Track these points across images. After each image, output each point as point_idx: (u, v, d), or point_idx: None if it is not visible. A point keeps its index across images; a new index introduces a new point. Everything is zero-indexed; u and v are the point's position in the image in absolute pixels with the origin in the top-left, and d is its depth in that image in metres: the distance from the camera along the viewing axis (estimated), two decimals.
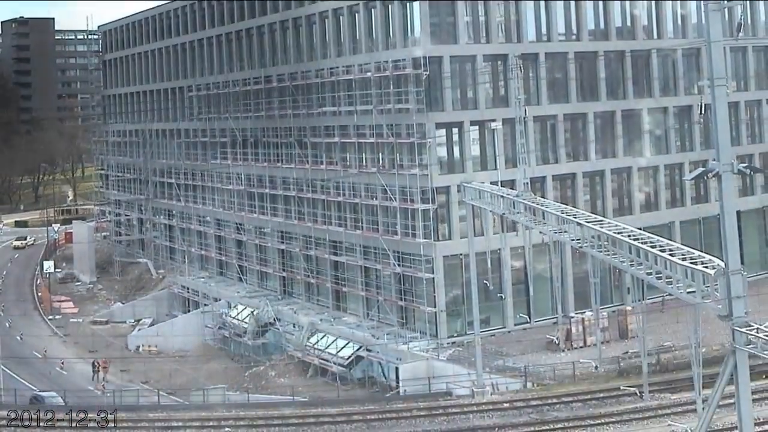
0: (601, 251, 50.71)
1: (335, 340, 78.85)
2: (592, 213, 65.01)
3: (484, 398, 64.82)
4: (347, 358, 75.84)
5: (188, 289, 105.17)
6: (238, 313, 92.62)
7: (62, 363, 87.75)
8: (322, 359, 78.08)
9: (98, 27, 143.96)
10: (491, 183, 70.34)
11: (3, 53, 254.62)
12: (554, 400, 62.99)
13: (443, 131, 77.47)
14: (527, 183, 63.32)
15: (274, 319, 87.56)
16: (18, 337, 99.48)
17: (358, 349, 75.73)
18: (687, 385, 58.09)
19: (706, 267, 41.81)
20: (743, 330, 39.25)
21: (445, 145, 77.98)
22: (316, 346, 79.69)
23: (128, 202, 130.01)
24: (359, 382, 74.85)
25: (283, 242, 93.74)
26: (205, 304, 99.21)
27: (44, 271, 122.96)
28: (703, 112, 54.15)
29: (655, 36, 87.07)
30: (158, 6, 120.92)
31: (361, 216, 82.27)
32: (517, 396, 64.91)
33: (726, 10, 40.71)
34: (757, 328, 39.67)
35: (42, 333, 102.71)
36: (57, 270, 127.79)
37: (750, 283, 43.86)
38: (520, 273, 78.09)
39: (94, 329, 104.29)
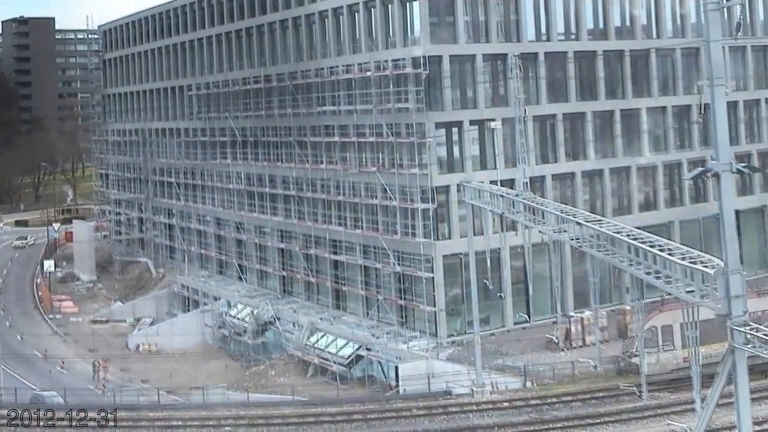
0: (600, 251, 50.82)
1: (335, 339, 78.92)
2: (591, 212, 65.21)
3: (484, 397, 64.95)
4: (347, 358, 75.92)
5: (188, 288, 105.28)
6: (237, 313, 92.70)
7: (62, 362, 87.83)
8: (321, 358, 78.15)
9: (98, 26, 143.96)
10: (491, 182, 70.52)
11: (3, 53, 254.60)
12: (553, 400, 63.15)
13: (443, 131, 77.55)
14: (526, 182, 63.38)
15: (274, 319, 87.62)
16: (18, 337, 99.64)
17: (357, 349, 75.81)
18: (686, 385, 58.25)
19: (705, 266, 41.87)
20: (742, 329, 39.37)
21: (445, 144, 78.07)
22: (315, 345, 79.77)
23: (128, 202, 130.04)
24: (359, 382, 74.94)
25: (282, 241, 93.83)
26: (205, 304, 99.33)
27: (44, 270, 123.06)
28: (702, 111, 54.44)
29: (654, 36, 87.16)
30: (158, 5, 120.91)
31: (360, 215, 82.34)
32: (517, 395, 65.01)
33: (725, 9, 40.76)
34: (756, 328, 39.80)
35: (42, 332, 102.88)
36: (57, 269, 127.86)
37: (749, 282, 43.98)
38: (520, 272, 78.15)
39: (94, 328, 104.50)
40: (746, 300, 40.10)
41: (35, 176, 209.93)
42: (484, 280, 73.99)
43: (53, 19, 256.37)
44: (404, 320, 78.29)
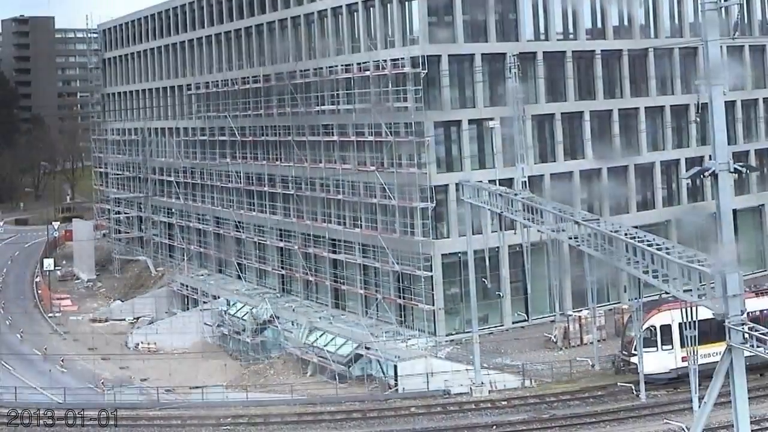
0: (598, 250, 50.97)
1: (334, 338, 78.98)
2: (589, 211, 65.45)
3: (482, 396, 65.16)
4: (346, 356, 76.02)
5: (187, 286, 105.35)
6: (237, 311, 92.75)
7: (62, 361, 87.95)
8: (320, 357, 78.24)
9: (98, 26, 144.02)
10: (489, 181, 70.70)
11: (3, 52, 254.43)
12: (552, 398, 63.38)
13: (441, 130, 77.68)
14: (525, 181, 63.74)
15: (273, 317, 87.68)
16: (18, 335, 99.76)
17: (356, 347, 75.88)
18: (683, 384, 58.50)
19: (703, 265, 42.02)
20: (739, 328, 39.52)
21: (444, 143, 78.21)
22: (314, 344, 79.83)
23: (128, 200, 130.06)
24: (358, 380, 75.02)
25: (282, 240, 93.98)
26: (204, 302, 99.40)
27: (44, 268, 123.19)
28: (699, 111, 54.46)
29: (653, 35, 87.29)
30: (157, 5, 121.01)
31: (359, 214, 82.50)
32: (515, 394, 65.23)
33: (723, 9, 40.89)
34: (753, 327, 39.96)
35: (42, 331, 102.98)
36: (57, 268, 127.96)
37: (746, 281, 44.12)
38: (518, 271, 78.33)
39: (94, 327, 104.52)
40: (744, 299, 40.28)
41: (35, 175, 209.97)
42: (483, 279, 74.23)
43: (53, 18, 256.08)
44: (403, 319, 78.47)
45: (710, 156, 40.35)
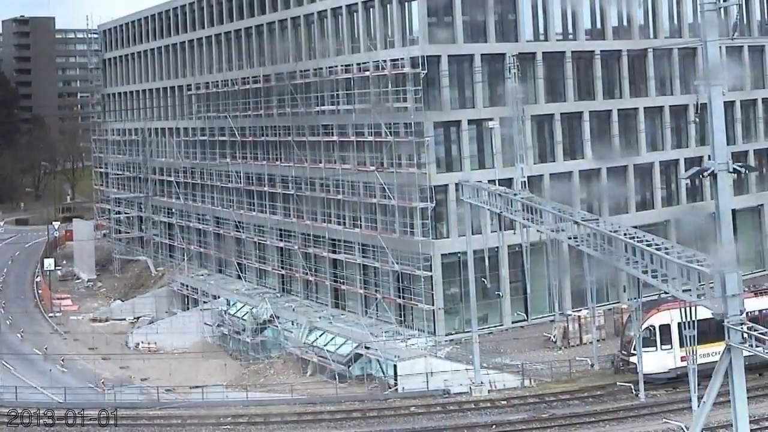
0: (597, 250, 51.10)
1: (334, 337, 79.08)
2: (588, 212, 65.54)
3: (482, 395, 65.26)
4: (346, 356, 76.12)
5: (187, 286, 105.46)
6: (237, 311, 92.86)
7: (62, 360, 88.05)
8: (320, 357, 78.33)
9: (98, 26, 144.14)
10: (489, 181, 70.84)
11: (3, 52, 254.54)
12: (551, 398, 63.46)
13: (441, 130, 77.78)
14: (524, 181, 63.81)
15: (273, 317, 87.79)
16: (18, 335, 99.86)
17: (356, 347, 75.97)
18: (683, 383, 58.58)
19: (702, 265, 42.14)
20: (738, 328, 39.63)
21: (443, 143, 78.31)
22: (314, 343, 79.92)
23: (128, 200, 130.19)
24: (358, 380, 75.12)
25: (282, 240, 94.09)
26: (205, 302, 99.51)
27: (44, 268, 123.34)
28: (698, 111, 54.62)
29: (652, 36, 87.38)
30: (157, 5, 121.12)
31: (359, 214, 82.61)
32: (515, 393, 65.31)
33: (722, 10, 41.00)
34: (752, 326, 40.08)
35: (42, 330, 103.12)
36: (57, 268, 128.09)
37: (745, 281, 44.22)
38: (518, 271, 78.45)
39: (94, 327, 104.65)
40: (743, 299, 40.40)
41: (35, 175, 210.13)
42: (483, 279, 74.36)
43: (53, 18, 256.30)
44: (403, 319, 78.58)
45: (709, 156, 40.44)
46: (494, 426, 59.29)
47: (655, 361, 62.84)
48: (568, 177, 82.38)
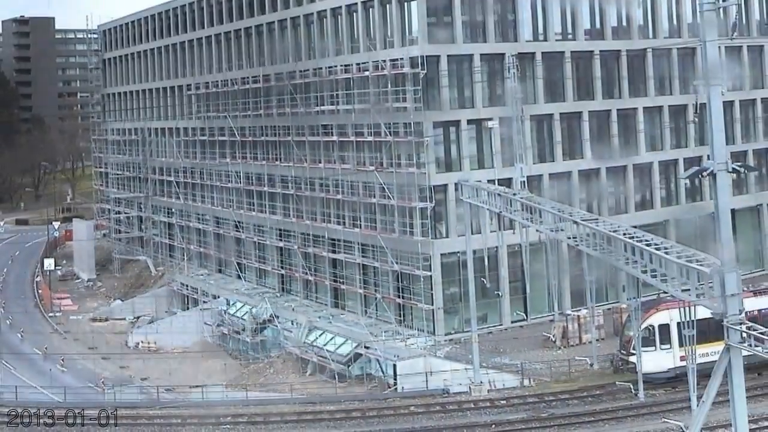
0: (597, 249, 51.20)
1: (333, 337, 79.14)
2: (588, 211, 65.62)
3: (481, 395, 65.30)
4: (345, 356, 76.17)
5: (187, 286, 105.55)
6: (236, 311, 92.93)
7: (62, 360, 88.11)
8: (320, 356, 78.38)
9: (98, 26, 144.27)
10: (488, 181, 70.94)
11: (3, 52, 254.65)
12: (550, 397, 63.51)
13: (440, 130, 77.83)
14: (524, 181, 63.86)
15: (273, 317, 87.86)
16: (18, 335, 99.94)
17: (356, 347, 76.02)
18: (682, 383, 58.64)
19: (701, 265, 42.22)
20: (737, 327, 39.71)
21: (443, 143, 78.35)
22: (314, 343, 79.99)
23: (128, 200, 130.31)
24: (357, 379, 75.19)
25: (281, 240, 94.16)
26: (204, 302, 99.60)
27: (44, 268, 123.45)
28: (697, 111, 54.70)
29: (651, 36, 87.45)
30: (157, 5, 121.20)
31: (359, 214, 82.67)
32: (514, 393, 65.37)
33: (721, 9, 41.06)
34: (751, 326, 40.16)
35: (42, 330, 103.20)
36: (57, 267, 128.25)
37: (744, 281, 44.29)
38: (517, 271, 78.53)
39: (94, 326, 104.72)
40: (742, 298, 40.47)
41: (35, 175, 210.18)
42: (482, 279, 74.43)
43: (53, 18, 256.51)
44: (402, 318, 78.63)
45: (708, 156, 40.49)
46: (493, 426, 59.33)
47: (655, 360, 62.88)
48: (568, 177, 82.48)
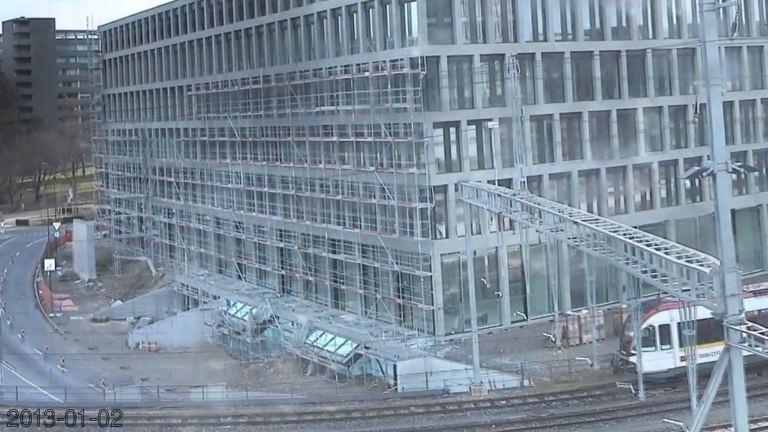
0: (597, 250, 51.27)
1: (334, 337, 79.20)
2: (588, 212, 65.69)
3: (481, 395, 65.33)
4: (345, 356, 76.22)
5: (188, 286, 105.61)
6: (237, 311, 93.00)
7: (63, 360, 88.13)
8: (320, 357, 78.44)
9: (98, 27, 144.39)
10: (488, 182, 70.98)
11: (4, 53, 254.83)
12: (551, 398, 63.52)
13: (440, 130, 77.84)
14: (524, 182, 63.83)
15: (273, 317, 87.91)
16: (19, 335, 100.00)
17: (356, 347, 76.07)
18: (682, 383, 58.65)
19: (701, 265, 42.33)
20: (737, 328, 39.78)
21: (443, 144, 78.33)
22: (314, 343, 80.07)
23: (128, 201, 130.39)
24: (357, 380, 75.25)
25: (281, 240, 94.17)
26: (205, 302, 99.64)
27: (45, 269, 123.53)
28: (697, 111, 54.84)
29: (651, 36, 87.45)
30: (158, 6, 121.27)
31: (359, 215, 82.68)
32: (514, 393, 65.38)
33: (721, 10, 41.15)
34: (751, 326, 40.23)
35: (43, 330, 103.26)
36: (58, 268, 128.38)
37: (744, 281, 44.35)
38: (517, 271, 78.58)
39: (95, 327, 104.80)
40: (742, 299, 40.54)
41: (35, 176, 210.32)
42: (482, 279, 74.49)
43: (53, 19, 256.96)
44: (402, 319, 78.63)
45: (708, 156, 40.56)
46: (494, 426, 59.37)
47: (655, 361, 62.89)
48: (568, 177, 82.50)
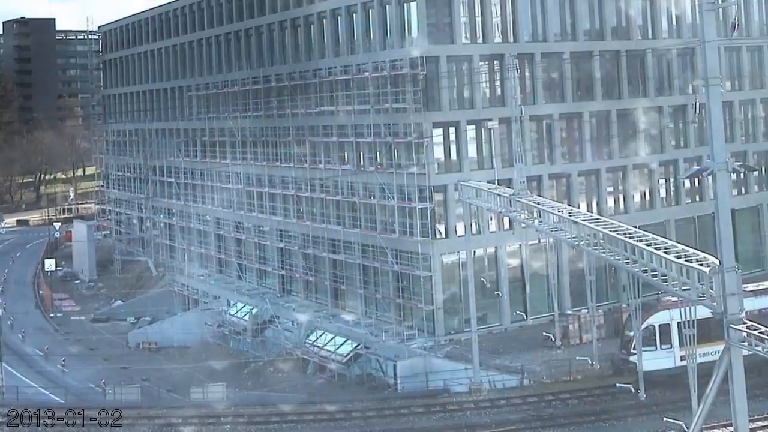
0: (597, 249, 51.30)
1: (334, 337, 79.30)
2: (587, 212, 65.68)
3: (481, 395, 65.36)
4: (345, 356, 76.29)
5: (188, 287, 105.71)
6: (237, 311, 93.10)
7: (63, 360, 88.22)
8: (320, 356, 78.54)
9: (98, 27, 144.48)
10: (488, 182, 70.98)
11: (4, 53, 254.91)
12: (551, 397, 63.52)
13: (440, 130, 77.85)
14: (524, 182, 63.84)
15: (273, 317, 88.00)
16: (20, 335, 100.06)
17: (356, 347, 76.17)
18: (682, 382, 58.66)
19: (701, 265, 42.35)
20: (738, 327, 39.82)
21: (443, 144, 78.35)
22: (314, 343, 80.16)
23: (128, 201, 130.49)
24: (357, 379, 75.31)
25: (282, 241, 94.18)
26: (205, 302, 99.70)
27: (45, 269, 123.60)
28: (697, 111, 54.92)
29: (650, 36, 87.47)
30: (158, 6, 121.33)
31: (359, 215, 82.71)
32: (514, 393, 65.38)
33: (720, 10, 41.18)
34: (751, 325, 40.27)
35: (43, 331, 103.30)
36: (58, 268, 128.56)
37: (744, 280, 44.37)
38: (517, 271, 78.61)
39: (95, 327, 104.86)
40: (742, 298, 40.58)
41: (36, 176, 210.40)
42: (482, 279, 74.49)
43: (53, 19, 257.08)
44: (402, 318, 78.63)
45: (708, 156, 40.60)
46: (493, 425, 59.40)
47: (655, 360, 62.89)
48: (568, 177, 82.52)
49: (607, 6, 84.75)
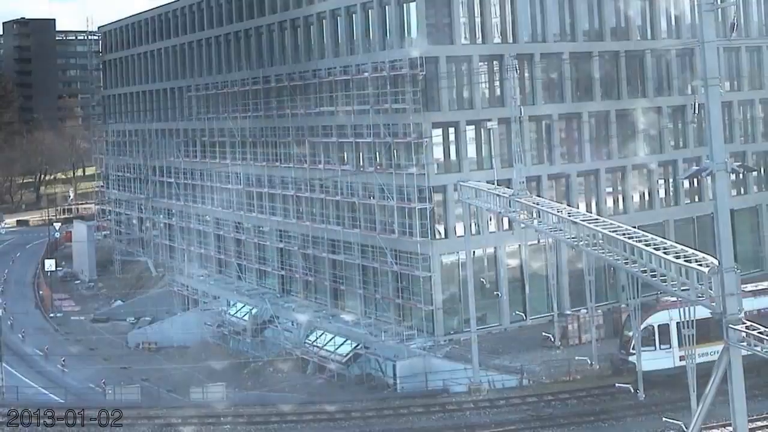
0: (596, 249, 51.35)
1: (333, 337, 79.34)
2: (587, 212, 65.71)
3: (481, 395, 65.40)
4: (345, 356, 76.33)
5: (188, 287, 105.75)
6: (237, 311, 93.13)
7: (63, 360, 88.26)
8: (320, 356, 78.58)
9: (98, 28, 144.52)
10: (487, 182, 71.02)
11: (4, 53, 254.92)
12: (550, 397, 63.57)
13: (440, 131, 77.89)
14: (523, 182, 63.89)
15: (273, 317, 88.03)
16: (20, 335, 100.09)
17: (356, 347, 76.21)
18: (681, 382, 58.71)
19: (700, 265, 42.39)
20: (737, 327, 39.86)
21: (442, 144, 78.40)
22: (314, 343, 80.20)
23: (128, 202, 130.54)
24: (357, 379, 75.35)
25: (281, 241, 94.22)
26: (205, 302, 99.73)
27: (45, 269, 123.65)
28: (696, 111, 54.97)
29: (649, 36, 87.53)
30: (158, 7, 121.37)
31: (358, 215, 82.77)
32: (513, 393, 65.43)
33: (719, 10, 41.21)
34: (750, 325, 40.31)
35: (43, 331, 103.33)
36: (58, 268, 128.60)
37: (743, 280, 44.42)
38: (516, 271, 78.62)
39: (95, 327, 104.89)
40: (741, 298, 40.62)
41: (36, 176, 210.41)
42: (481, 279, 74.52)
43: (53, 19, 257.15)
44: (402, 318, 78.67)
45: (707, 156, 40.64)
46: (493, 425, 59.44)
47: (654, 360, 62.93)
48: (567, 177, 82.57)
49: (606, 6, 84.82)
